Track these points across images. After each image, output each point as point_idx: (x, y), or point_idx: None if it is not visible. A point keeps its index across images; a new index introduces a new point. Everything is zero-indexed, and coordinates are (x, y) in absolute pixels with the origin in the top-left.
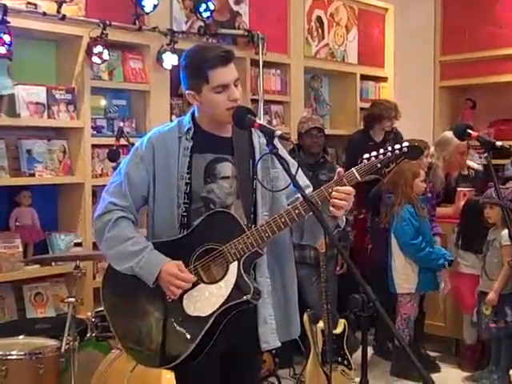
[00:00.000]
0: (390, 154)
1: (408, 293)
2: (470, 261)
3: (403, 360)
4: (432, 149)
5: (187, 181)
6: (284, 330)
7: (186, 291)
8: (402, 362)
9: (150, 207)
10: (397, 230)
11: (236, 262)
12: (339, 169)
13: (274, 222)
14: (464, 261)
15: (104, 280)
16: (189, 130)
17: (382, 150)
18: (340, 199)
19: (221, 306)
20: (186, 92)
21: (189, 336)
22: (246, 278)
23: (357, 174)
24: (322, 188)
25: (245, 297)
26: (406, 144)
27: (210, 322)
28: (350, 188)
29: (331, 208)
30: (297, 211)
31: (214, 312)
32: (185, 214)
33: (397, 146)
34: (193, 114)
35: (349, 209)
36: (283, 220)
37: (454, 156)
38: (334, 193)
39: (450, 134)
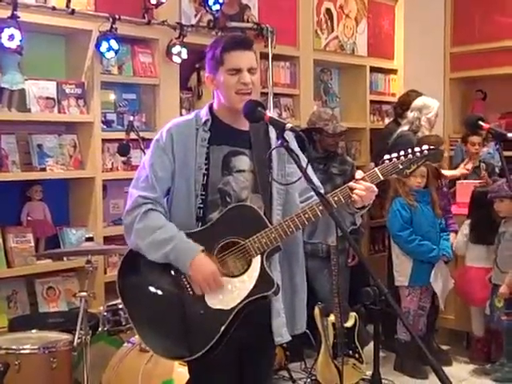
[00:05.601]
0: (411, 155)
1: (405, 286)
2: (478, 254)
3: (406, 356)
4: (412, 114)
5: (204, 172)
6: (288, 324)
7: None
8: (405, 358)
9: (169, 199)
10: (388, 222)
11: (259, 257)
12: (359, 171)
13: (298, 217)
14: (472, 254)
15: (120, 274)
16: (206, 121)
17: (403, 152)
18: (360, 189)
19: (243, 300)
20: (206, 75)
21: (210, 329)
22: (269, 273)
23: (379, 174)
24: (345, 186)
25: (269, 291)
26: (426, 147)
27: (232, 315)
28: (372, 185)
29: (353, 196)
30: (320, 207)
31: (236, 305)
32: (201, 205)
33: (417, 149)
34: (210, 107)
35: (369, 204)
36: (307, 216)
37: (435, 117)
38: (354, 184)
39: (423, 98)
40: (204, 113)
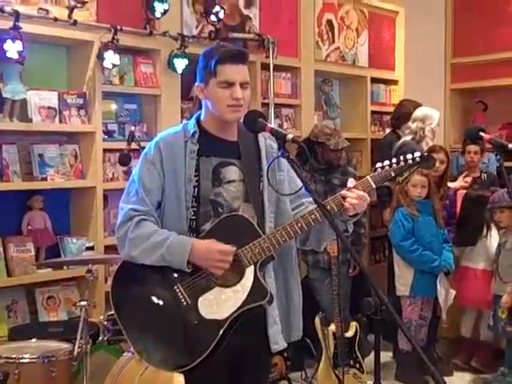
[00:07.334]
0: (403, 163)
1: (406, 296)
2: (466, 254)
3: (407, 366)
4: (415, 124)
5: (195, 184)
6: (284, 332)
7: (201, 294)
8: (406, 368)
9: (160, 211)
10: (390, 232)
11: (252, 266)
12: (351, 179)
13: (291, 226)
14: (464, 255)
15: (113, 286)
16: (194, 133)
17: (394, 159)
18: (352, 197)
19: (237, 310)
20: (196, 85)
21: (204, 339)
22: (262, 282)
23: (372, 182)
24: (337, 194)
25: (263, 300)
26: (418, 154)
27: (226, 325)
28: (365, 194)
29: (345, 204)
30: (313, 216)
31: (230, 315)
32: (193, 217)
33: (409, 156)
34: (197, 118)
35: (361, 212)
36: (299, 225)
37: (436, 127)
38: (347, 192)
39: (424, 108)
40: (192, 125)
